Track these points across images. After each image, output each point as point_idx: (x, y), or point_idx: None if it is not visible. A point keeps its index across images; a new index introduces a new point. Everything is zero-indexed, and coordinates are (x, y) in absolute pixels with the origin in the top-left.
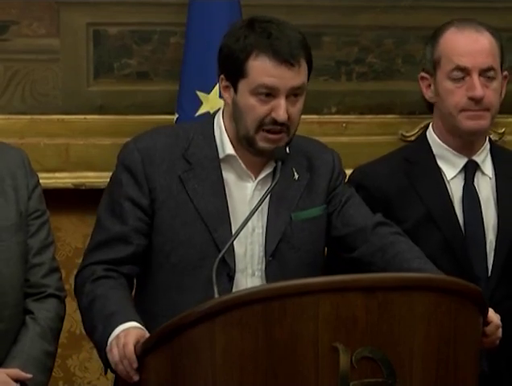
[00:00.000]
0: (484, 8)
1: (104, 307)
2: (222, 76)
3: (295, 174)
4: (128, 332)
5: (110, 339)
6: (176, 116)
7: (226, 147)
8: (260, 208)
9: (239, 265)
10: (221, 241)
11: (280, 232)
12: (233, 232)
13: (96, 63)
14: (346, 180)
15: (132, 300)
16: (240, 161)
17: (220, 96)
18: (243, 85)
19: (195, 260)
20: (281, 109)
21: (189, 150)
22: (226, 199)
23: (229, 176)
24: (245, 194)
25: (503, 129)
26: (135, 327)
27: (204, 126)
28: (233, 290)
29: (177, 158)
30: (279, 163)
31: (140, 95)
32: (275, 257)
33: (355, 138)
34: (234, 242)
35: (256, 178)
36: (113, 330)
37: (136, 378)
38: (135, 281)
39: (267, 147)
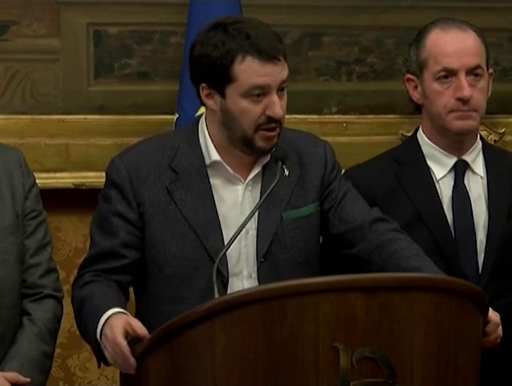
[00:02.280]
0: (484, 8)
1: (90, 306)
2: (204, 85)
3: (286, 170)
4: (111, 326)
5: (98, 334)
6: (176, 116)
7: (211, 153)
8: (251, 209)
9: (233, 269)
10: (214, 250)
11: (271, 232)
12: (225, 239)
13: (96, 63)
14: None
15: (119, 292)
16: (226, 166)
17: (202, 104)
18: (232, 90)
19: (188, 271)
20: (276, 106)
21: (175, 160)
22: (215, 205)
23: (217, 182)
24: (235, 197)
25: (503, 129)
26: (116, 313)
27: (189, 134)
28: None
29: (164, 169)
30: (279, 163)
31: (140, 95)
32: (267, 259)
33: (355, 138)
34: None
35: (245, 180)
36: (97, 323)
37: (134, 366)
38: (134, 293)
39: (265, 146)
